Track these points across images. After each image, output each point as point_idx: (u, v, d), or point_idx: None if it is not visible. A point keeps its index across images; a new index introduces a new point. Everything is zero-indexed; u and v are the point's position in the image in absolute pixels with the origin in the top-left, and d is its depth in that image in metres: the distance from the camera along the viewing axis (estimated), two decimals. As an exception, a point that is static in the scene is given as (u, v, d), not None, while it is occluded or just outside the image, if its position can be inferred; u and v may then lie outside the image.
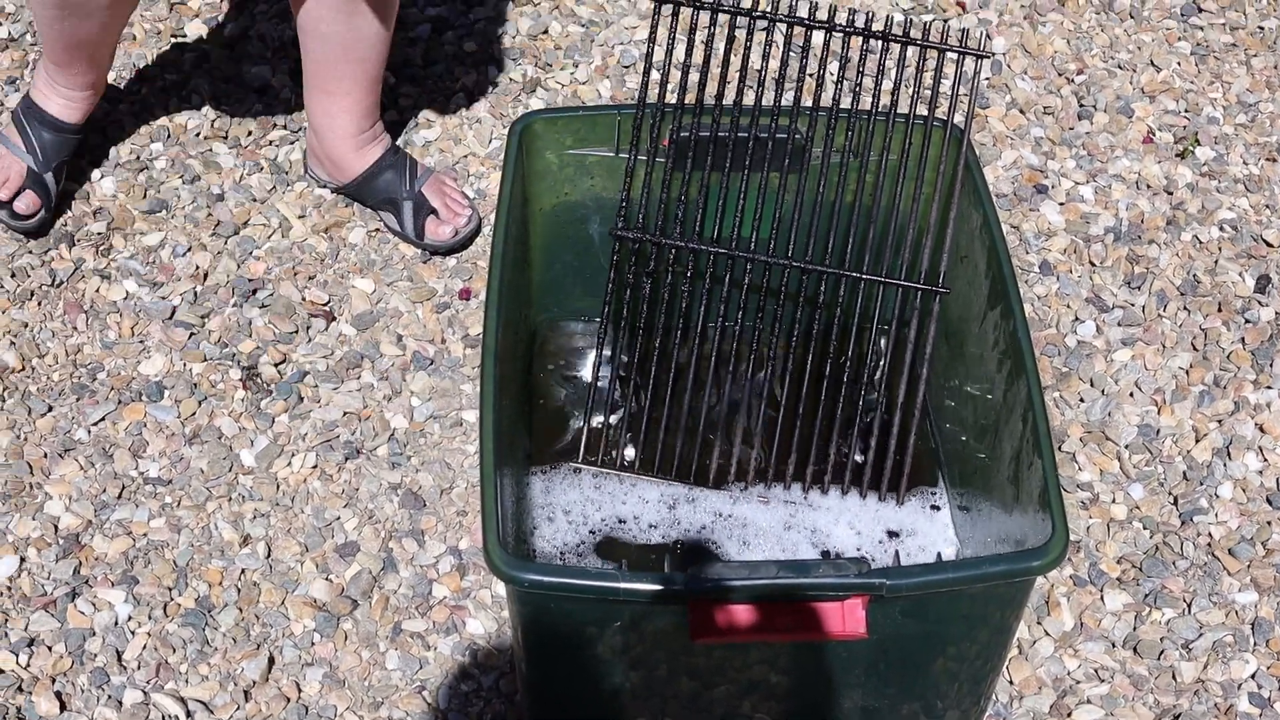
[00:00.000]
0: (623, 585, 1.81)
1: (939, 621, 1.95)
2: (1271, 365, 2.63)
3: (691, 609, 1.84)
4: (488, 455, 1.94)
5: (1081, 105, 3.03)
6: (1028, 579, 1.93)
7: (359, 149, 2.75)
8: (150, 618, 2.30)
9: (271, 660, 2.27)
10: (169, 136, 2.91)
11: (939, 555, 2.29)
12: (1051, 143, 2.96)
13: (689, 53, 2.30)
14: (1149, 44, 3.16)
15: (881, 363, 2.39)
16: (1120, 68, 3.11)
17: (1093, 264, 2.76)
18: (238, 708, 2.23)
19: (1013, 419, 2.09)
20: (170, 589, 2.33)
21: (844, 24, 2.28)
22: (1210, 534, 2.43)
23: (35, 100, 2.74)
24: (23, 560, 2.36)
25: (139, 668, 2.26)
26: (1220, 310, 2.71)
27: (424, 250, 2.75)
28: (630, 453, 2.38)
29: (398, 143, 2.86)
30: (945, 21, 3.15)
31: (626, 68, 3.05)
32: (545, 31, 3.12)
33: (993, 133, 2.96)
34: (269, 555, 2.37)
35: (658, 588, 1.82)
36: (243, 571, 2.35)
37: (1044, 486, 1.94)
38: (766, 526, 2.31)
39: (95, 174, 2.84)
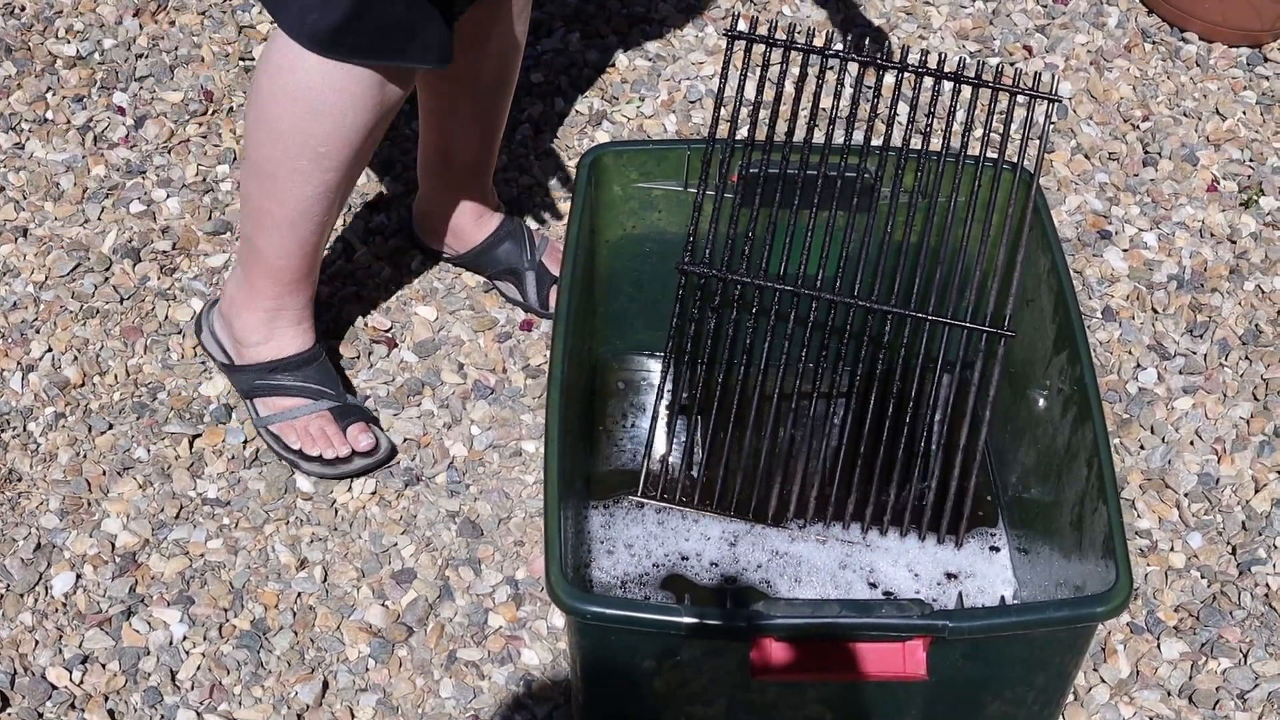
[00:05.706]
0: (686, 620, 1.81)
1: (998, 665, 1.94)
2: (1334, 417, 2.63)
3: (753, 646, 1.84)
4: (551, 486, 1.94)
5: (1146, 152, 3.02)
6: (1090, 625, 1.92)
7: (478, 218, 2.70)
8: (205, 639, 2.31)
9: (326, 685, 2.27)
10: (234, 159, 2.91)
11: (1001, 598, 2.28)
12: (1116, 188, 2.95)
13: (759, 89, 2.30)
14: (1214, 92, 3.15)
15: (944, 404, 2.38)
16: (1185, 115, 3.11)
17: (1155, 311, 2.75)
18: (291, 731, 2.24)
19: (1076, 464, 2.08)
20: (226, 610, 2.34)
21: (915, 64, 2.28)
22: (1268, 584, 2.42)
23: (266, 357, 2.49)
24: (79, 577, 2.36)
25: (193, 688, 2.26)
26: (1282, 361, 2.70)
27: (545, 319, 2.70)
28: (691, 487, 2.37)
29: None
30: (1012, 65, 3.15)
31: (693, 103, 3.05)
32: (612, 64, 3.13)
33: (1057, 177, 2.95)
34: (325, 580, 2.37)
35: (721, 623, 1.82)
36: (299, 595, 2.35)
37: (1108, 533, 1.94)
38: (822, 565, 2.31)
39: (161, 194, 2.84)
